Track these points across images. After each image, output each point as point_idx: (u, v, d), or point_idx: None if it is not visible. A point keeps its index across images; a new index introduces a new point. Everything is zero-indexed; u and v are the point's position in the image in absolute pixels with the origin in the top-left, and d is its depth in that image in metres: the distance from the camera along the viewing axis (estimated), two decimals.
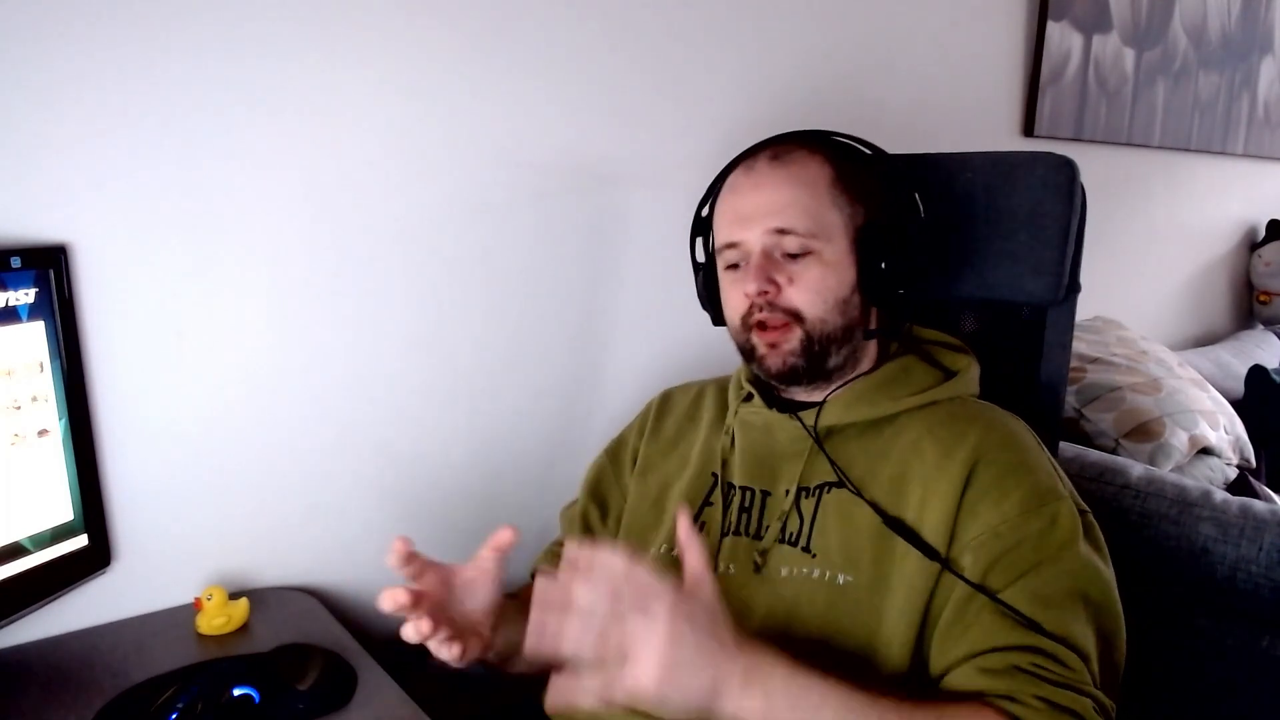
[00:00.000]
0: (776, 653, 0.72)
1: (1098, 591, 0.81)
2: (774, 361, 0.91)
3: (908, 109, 1.75)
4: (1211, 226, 2.89)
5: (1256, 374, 2.21)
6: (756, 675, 0.70)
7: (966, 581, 0.80)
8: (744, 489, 0.95)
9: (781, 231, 0.89)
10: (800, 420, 0.93)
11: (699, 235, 1.03)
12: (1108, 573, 0.84)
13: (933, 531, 0.83)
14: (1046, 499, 0.83)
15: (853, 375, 0.95)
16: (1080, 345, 1.94)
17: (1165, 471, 1.37)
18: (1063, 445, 1.35)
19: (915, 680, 0.81)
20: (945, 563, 0.81)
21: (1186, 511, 1.23)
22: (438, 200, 1.20)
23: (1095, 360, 1.92)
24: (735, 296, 0.93)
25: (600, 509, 1.07)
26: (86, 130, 0.95)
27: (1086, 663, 0.76)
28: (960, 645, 0.79)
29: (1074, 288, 1.05)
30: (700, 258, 1.03)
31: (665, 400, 1.11)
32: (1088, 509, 0.87)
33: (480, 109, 1.21)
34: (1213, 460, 1.79)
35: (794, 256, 0.90)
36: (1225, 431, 1.84)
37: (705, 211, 1.02)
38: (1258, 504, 1.21)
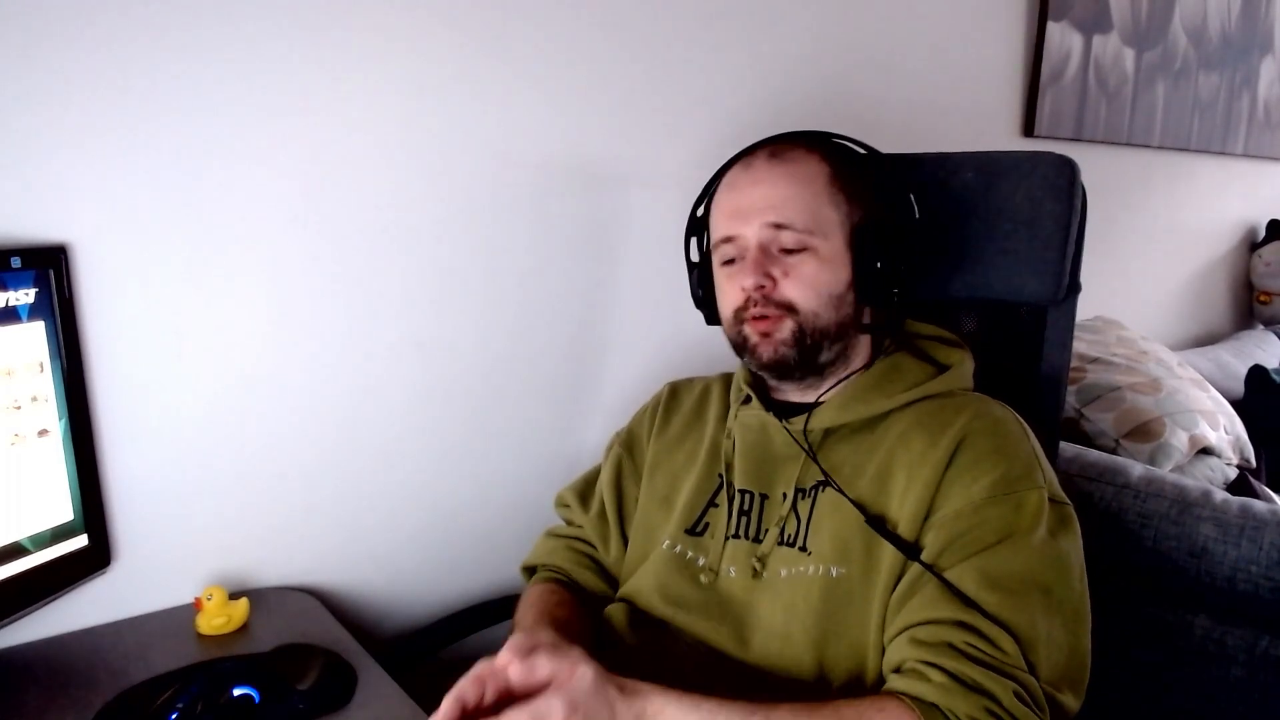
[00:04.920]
0: (664, 690, 0.75)
1: (1056, 581, 0.81)
2: (765, 350, 0.91)
3: (908, 109, 1.75)
4: (1211, 226, 2.89)
5: (1256, 374, 2.21)
6: (647, 718, 0.74)
7: (919, 561, 0.81)
8: (743, 492, 0.95)
9: (778, 226, 0.90)
10: (789, 431, 0.93)
11: (693, 235, 1.04)
12: (1074, 565, 0.84)
13: (911, 516, 0.84)
14: (1016, 485, 0.83)
15: (845, 374, 0.95)
16: (1080, 345, 1.95)
17: (1165, 471, 1.37)
18: (1063, 445, 1.35)
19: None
20: (915, 553, 0.82)
21: (1186, 511, 1.23)
22: (437, 200, 1.20)
23: (1095, 360, 1.92)
24: (731, 291, 0.94)
25: (617, 500, 1.07)
26: (86, 130, 0.95)
27: (1027, 649, 0.76)
28: (902, 616, 0.80)
29: (1074, 288, 1.05)
30: (695, 257, 1.03)
31: (672, 394, 1.11)
32: (1068, 501, 0.87)
33: (479, 109, 1.21)
34: (1213, 460, 1.79)
35: (790, 252, 0.90)
36: (1225, 431, 1.84)
37: (700, 211, 1.02)
38: (1258, 504, 1.21)
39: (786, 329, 0.90)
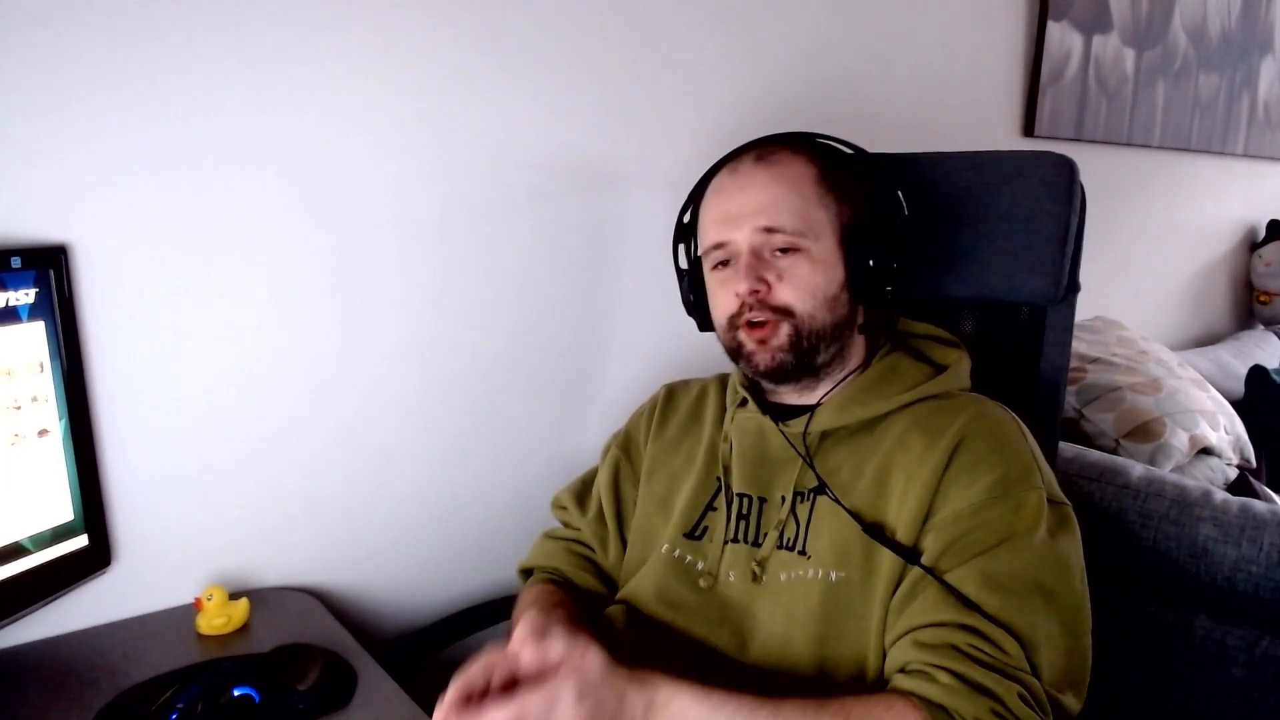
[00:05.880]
0: (676, 681, 0.75)
1: (1057, 582, 0.81)
2: (763, 358, 0.91)
3: (908, 109, 1.75)
4: (1211, 226, 2.89)
5: (1256, 374, 2.21)
6: (657, 707, 0.74)
7: (919, 564, 0.81)
8: (741, 495, 0.95)
9: (769, 230, 0.89)
10: (786, 436, 0.93)
11: (681, 241, 1.03)
12: (1074, 566, 0.83)
13: (910, 519, 0.84)
14: (1014, 487, 0.83)
15: (842, 375, 0.95)
16: (1080, 345, 1.95)
17: (1165, 471, 1.37)
18: (1063, 445, 1.35)
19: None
20: (914, 558, 0.82)
21: (1186, 511, 1.23)
22: (436, 200, 1.20)
23: (1095, 360, 1.92)
24: (724, 296, 0.93)
25: (615, 503, 1.07)
26: (86, 130, 0.95)
27: (1029, 650, 0.76)
28: (903, 619, 0.80)
29: (1073, 287, 1.05)
30: (684, 264, 1.03)
31: (669, 397, 1.10)
32: (1067, 501, 0.87)
33: (479, 109, 1.21)
34: (1213, 460, 1.79)
35: (782, 253, 0.90)
36: (1225, 431, 1.84)
37: (688, 217, 1.01)
38: (1258, 504, 1.21)
39: (783, 334, 0.90)
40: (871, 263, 0.90)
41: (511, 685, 0.71)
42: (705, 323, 1.00)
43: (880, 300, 0.93)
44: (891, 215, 0.94)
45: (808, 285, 0.90)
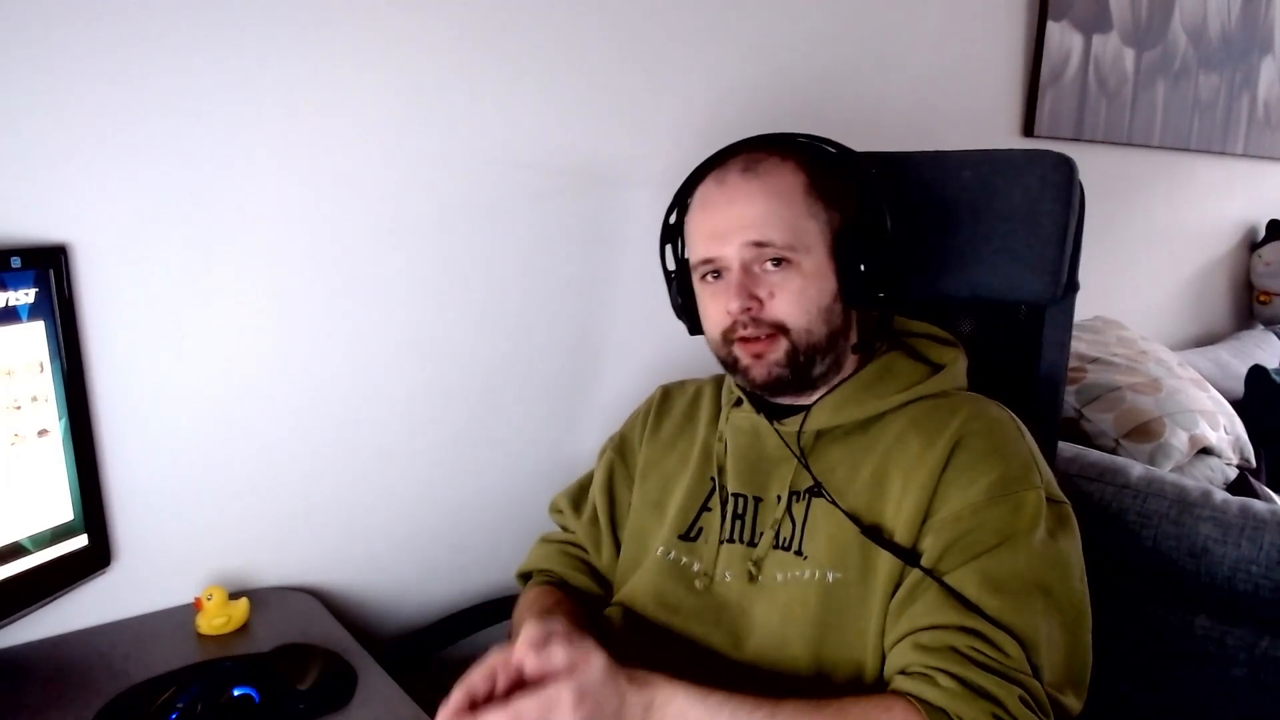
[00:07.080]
0: (673, 681, 0.76)
1: (1057, 582, 0.81)
2: (759, 373, 0.90)
3: (907, 109, 1.75)
4: (1211, 226, 2.89)
5: (1256, 374, 2.21)
6: (656, 708, 0.75)
7: (918, 566, 0.81)
8: (736, 495, 0.95)
9: (759, 244, 0.88)
10: (781, 436, 0.93)
11: (668, 242, 1.01)
12: (1074, 565, 0.83)
13: (909, 520, 0.83)
14: (1013, 486, 0.82)
15: (837, 380, 0.94)
16: (1080, 345, 1.94)
17: (1165, 471, 1.37)
18: (1062, 445, 1.35)
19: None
20: (913, 559, 0.82)
21: (1186, 511, 1.23)
22: (436, 200, 1.20)
23: (1095, 360, 1.92)
24: (716, 312, 0.92)
25: (609, 505, 1.07)
26: (86, 130, 0.95)
27: (1030, 652, 0.76)
28: (904, 621, 0.80)
29: (1072, 286, 1.05)
30: (671, 265, 1.01)
31: (665, 398, 1.10)
32: (1065, 500, 0.87)
33: (479, 110, 1.21)
34: (1213, 460, 1.79)
35: (774, 265, 0.88)
36: (1225, 431, 1.84)
37: (674, 219, 1.00)
38: (1258, 504, 1.21)
39: (780, 350, 0.89)
40: (863, 268, 0.89)
41: (514, 692, 0.72)
42: (695, 326, 0.99)
43: (873, 305, 0.92)
44: (883, 217, 0.93)
45: (800, 300, 0.88)
